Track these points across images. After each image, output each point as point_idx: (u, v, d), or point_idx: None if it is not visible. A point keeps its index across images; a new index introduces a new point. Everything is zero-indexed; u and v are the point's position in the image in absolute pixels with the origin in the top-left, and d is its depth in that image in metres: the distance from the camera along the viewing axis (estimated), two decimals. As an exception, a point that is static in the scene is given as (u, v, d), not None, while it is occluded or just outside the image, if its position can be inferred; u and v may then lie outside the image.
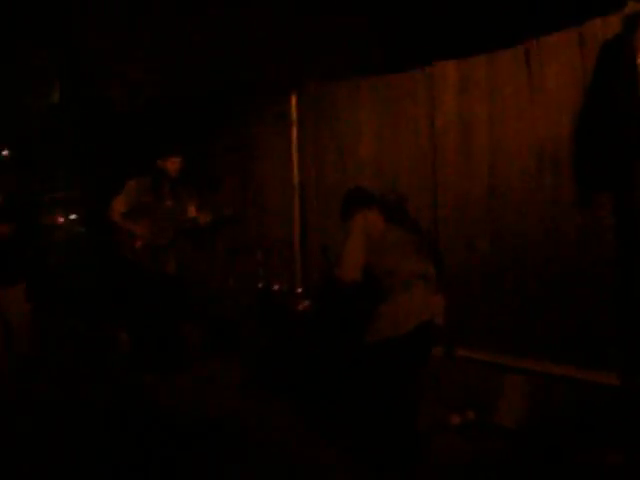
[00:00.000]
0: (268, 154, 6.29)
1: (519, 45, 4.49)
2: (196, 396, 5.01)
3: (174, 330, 5.51)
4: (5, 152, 7.14)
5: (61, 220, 7.32)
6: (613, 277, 4.02)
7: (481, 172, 4.70)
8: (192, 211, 5.43)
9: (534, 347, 4.42)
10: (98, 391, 4.96)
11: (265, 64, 5.94)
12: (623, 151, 3.82)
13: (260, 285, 5.68)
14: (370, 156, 5.48)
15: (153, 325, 5.35)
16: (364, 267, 3.62)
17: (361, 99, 5.46)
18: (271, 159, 6.27)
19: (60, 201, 7.20)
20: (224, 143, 6.64)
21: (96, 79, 6.38)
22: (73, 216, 7.37)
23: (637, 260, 3.84)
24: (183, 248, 5.56)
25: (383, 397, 3.61)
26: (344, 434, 4.10)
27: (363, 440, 3.80)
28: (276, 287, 5.53)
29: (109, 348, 5.73)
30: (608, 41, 3.89)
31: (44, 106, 7.00)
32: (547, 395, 4.21)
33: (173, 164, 5.37)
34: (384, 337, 3.62)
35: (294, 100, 5.94)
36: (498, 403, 4.37)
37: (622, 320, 3.97)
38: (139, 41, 6.23)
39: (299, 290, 5.54)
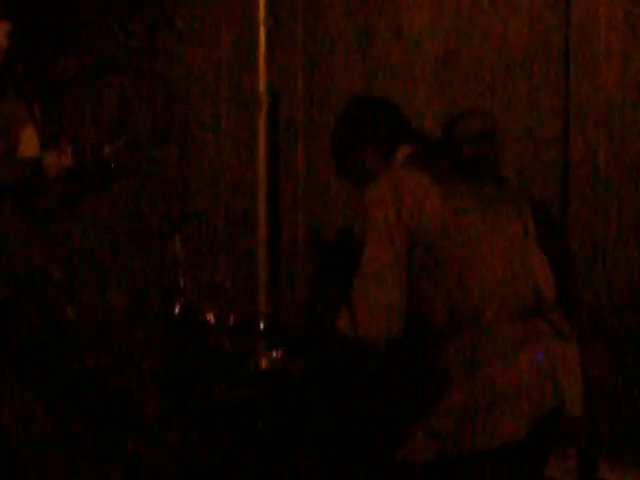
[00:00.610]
0: (206, 31, 5.00)
1: None
2: None
3: None
4: None
5: None
6: None
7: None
8: (30, 143, 3.84)
9: None
10: None
11: None
12: None
13: (177, 309, 3.95)
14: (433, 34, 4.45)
15: None
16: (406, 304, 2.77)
17: None
18: (210, 42, 4.99)
19: None
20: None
21: None
22: None
23: None
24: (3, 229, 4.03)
25: None
26: None
27: None
28: (209, 316, 3.86)
29: None
30: None
31: None
32: None
33: None
34: (453, 454, 2.72)
35: None
36: None
37: None
38: None
39: (261, 325, 3.93)
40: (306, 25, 4.60)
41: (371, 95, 3.69)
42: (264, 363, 3.75)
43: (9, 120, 3.76)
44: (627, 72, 3.90)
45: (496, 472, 2.81)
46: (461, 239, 2.78)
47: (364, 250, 2.82)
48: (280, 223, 4.74)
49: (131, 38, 5.01)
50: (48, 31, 5.04)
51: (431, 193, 2.78)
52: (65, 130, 4.62)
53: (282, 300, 4.71)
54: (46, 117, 4.10)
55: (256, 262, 4.72)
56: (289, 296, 4.69)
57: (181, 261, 3.97)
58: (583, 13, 3.93)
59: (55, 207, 4.11)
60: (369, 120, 2.98)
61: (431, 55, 4.33)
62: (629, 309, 4.06)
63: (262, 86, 4.66)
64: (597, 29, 3.94)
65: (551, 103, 4.09)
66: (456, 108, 4.12)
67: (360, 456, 3.20)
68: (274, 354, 3.75)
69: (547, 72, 4.01)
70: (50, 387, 4.43)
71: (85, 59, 5.13)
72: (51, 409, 4.46)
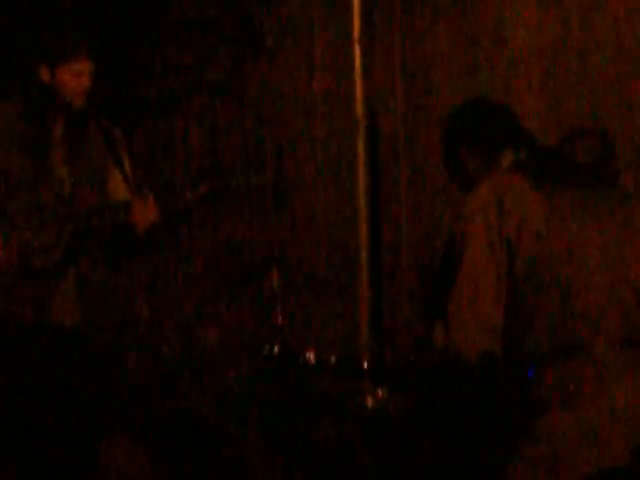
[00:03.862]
0: (298, 62, 4.89)
1: None
2: None
3: (87, 452, 3.75)
4: None
5: None
6: None
7: None
8: (118, 187, 3.67)
9: None
10: None
11: None
12: None
13: (275, 348, 3.95)
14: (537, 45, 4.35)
15: (29, 447, 3.62)
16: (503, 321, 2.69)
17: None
18: (303, 61, 4.89)
19: None
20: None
21: None
22: None
23: None
24: (90, 270, 3.97)
25: None
26: None
27: None
28: (310, 355, 3.86)
29: None
30: None
31: None
32: None
33: (78, 77, 3.56)
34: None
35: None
36: None
37: None
38: None
39: (365, 365, 3.89)
40: (404, 41, 4.53)
41: (480, 98, 3.52)
42: (369, 402, 3.73)
43: (101, 162, 3.75)
44: None
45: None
46: (565, 256, 2.68)
47: (463, 261, 2.75)
48: (382, 254, 4.65)
49: (220, 58, 5.00)
50: (134, 55, 5.08)
51: (534, 201, 2.69)
52: (149, 170, 4.66)
53: (385, 337, 4.62)
54: (131, 155, 3.97)
55: (358, 297, 4.65)
56: (392, 333, 4.61)
57: (279, 297, 3.98)
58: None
59: (142, 248, 4.01)
60: (470, 123, 2.94)
61: (536, 67, 4.22)
62: None
63: (359, 107, 4.61)
64: None
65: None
66: (564, 121, 4.08)
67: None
68: (379, 393, 3.73)
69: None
70: (150, 430, 4.53)
71: (174, 81, 5.14)
72: (151, 452, 4.56)
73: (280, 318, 4.10)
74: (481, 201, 2.70)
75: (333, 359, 3.87)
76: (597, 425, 2.68)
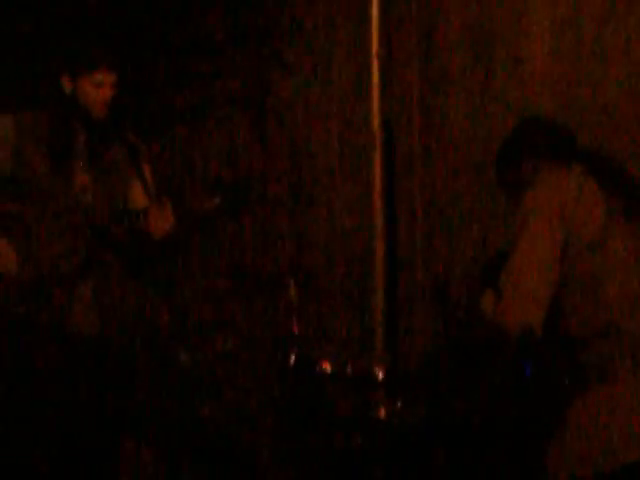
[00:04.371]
0: (316, 75, 4.88)
1: None
2: None
3: (103, 460, 3.80)
4: None
5: None
6: None
7: None
8: (138, 196, 3.72)
9: None
10: None
11: None
12: None
13: (291, 358, 3.89)
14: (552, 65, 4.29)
15: (49, 452, 3.66)
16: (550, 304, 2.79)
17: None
18: (321, 75, 4.87)
19: None
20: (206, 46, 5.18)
21: None
22: None
23: None
24: (109, 278, 3.98)
25: None
26: None
27: None
28: (325, 365, 3.81)
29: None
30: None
31: None
32: None
33: (99, 88, 3.64)
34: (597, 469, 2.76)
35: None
36: None
37: None
38: None
39: (380, 374, 3.83)
40: (421, 56, 4.55)
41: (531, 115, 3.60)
42: (383, 413, 3.71)
43: (122, 172, 3.79)
44: None
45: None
46: (614, 252, 2.80)
47: (521, 243, 2.85)
48: (397, 266, 4.66)
49: (241, 71, 5.03)
50: (155, 68, 5.10)
51: (592, 199, 2.81)
52: (168, 179, 4.66)
53: (400, 348, 4.62)
54: (151, 164, 4.01)
55: (373, 309, 4.63)
56: (407, 344, 4.60)
57: (295, 308, 3.93)
58: None
59: (160, 256, 4.13)
60: (530, 133, 3.01)
61: (551, 87, 4.23)
62: None
63: (376, 121, 4.59)
64: None
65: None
66: (581, 138, 4.00)
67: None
68: (393, 404, 3.71)
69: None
70: (165, 435, 4.56)
71: (196, 94, 5.14)
72: (164, 457, 4.63)
73: (296, 328, 4.03)
74: (542, 198, 2.79)
75: (349, 369, 3.85)
76: (625, 414, 2.75)
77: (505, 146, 3.12)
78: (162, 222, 3.67)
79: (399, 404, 3.72)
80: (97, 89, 3.65)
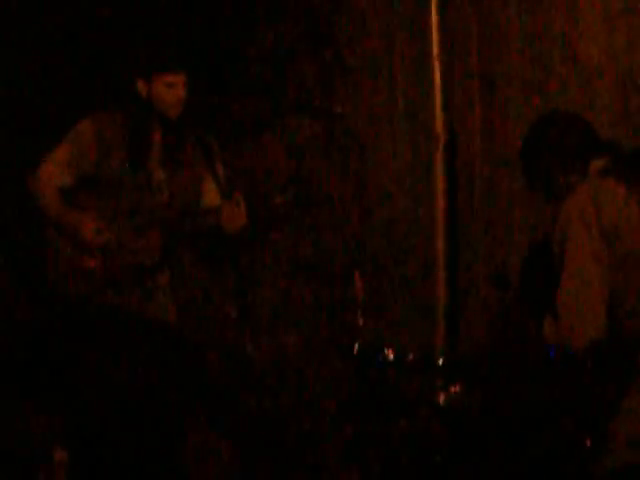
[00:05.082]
0: (379, 80, 4.88)
1: None
2: None
3: (175, 445, 3.90)
4: None
5: None
6: None
7: None
8: (212, 193, 3.83)
9: None
10: None
11: None
12: None
13: (355, 347, 3.89)
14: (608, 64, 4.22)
15: (126, 436, 3.72)
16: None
17: None
18: (384, 79, 4.87)
19: None
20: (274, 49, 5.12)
21: None
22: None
23: None
24: (187, 270, 4.35)
25: None
26: None
27: None
28: (389, 353, 3.79)
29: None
30: None
31: None
32: None
33: (172, 90, 3.75)
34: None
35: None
36: None
37: None
38: None
39: (439, 361, 3.86)
40: (481, 57, 4.56)
41: (556, 110, 3.57)
42: (442, 399, 3.76)
43: (196, 169, 3.87)
44: None
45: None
46: None
47: (568, 262, 2.84)
48: (458, 260, 4.60)
49: (307, 78, 5.07)
50: (225, 77, 5.17)
51: (630, 203, 2.79)
52: (240, 177, 4.55)
53: (461, 336, 4.58)
54: (224, 164, 4.06)
55: (435, 299, 4.60)
56: (467, 331, 4.55)
57: (361, 300, 3.99)
58: None
59: (232, 253, 4.21)
60: (560, 135, 2.98)
61: (610, 80, 4.16)
62: None
63: (439, 124, 4.58)
64: None
65: None
66: (637, 137, 3.98)
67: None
68: (452, 390, 3.76)
69: None
70: (232, 427, 4.63)
71: (264, 102, 5.18)
72: (232, 449, 4.67)
73: (361, 320, 4.05)
74: (580, 205, 2.79)
75: (411, 356, 3.85)
76: None
77: (529, 152, 3.06)
78: (235, 218, 3.74)
79: (458, 389, 3.75)
80: (170, 90, 3.74)
